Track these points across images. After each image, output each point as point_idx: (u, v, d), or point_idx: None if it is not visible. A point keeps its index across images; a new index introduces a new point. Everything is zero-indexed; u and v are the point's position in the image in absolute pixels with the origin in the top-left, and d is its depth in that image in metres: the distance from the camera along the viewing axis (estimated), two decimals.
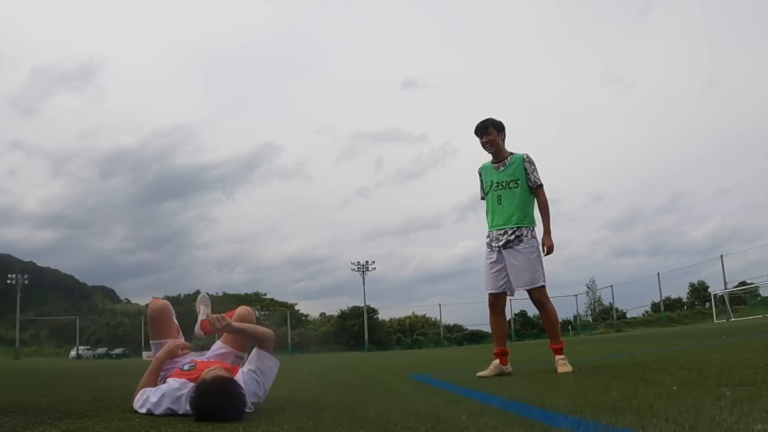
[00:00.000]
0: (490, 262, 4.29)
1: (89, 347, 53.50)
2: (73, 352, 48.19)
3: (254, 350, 2.78)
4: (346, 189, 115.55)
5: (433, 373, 5.31)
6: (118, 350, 52.00)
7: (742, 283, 35.79)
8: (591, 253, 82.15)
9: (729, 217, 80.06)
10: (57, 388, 4.99)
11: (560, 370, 3.92)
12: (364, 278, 47.03)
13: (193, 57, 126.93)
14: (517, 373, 4.34)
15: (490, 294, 4.32)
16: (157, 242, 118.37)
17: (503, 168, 4.33)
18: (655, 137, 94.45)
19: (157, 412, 2.53)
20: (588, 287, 50.63)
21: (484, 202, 4.48)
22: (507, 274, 4.24)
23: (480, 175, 4.52)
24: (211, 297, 3.31)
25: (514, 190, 4.26)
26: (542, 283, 4.18)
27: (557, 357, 4.09)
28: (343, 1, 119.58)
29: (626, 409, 1.89)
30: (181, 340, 3.03)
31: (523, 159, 4.30)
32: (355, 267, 47.46)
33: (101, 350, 52.19)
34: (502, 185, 4.30)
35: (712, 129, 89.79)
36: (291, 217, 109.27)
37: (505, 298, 4.37)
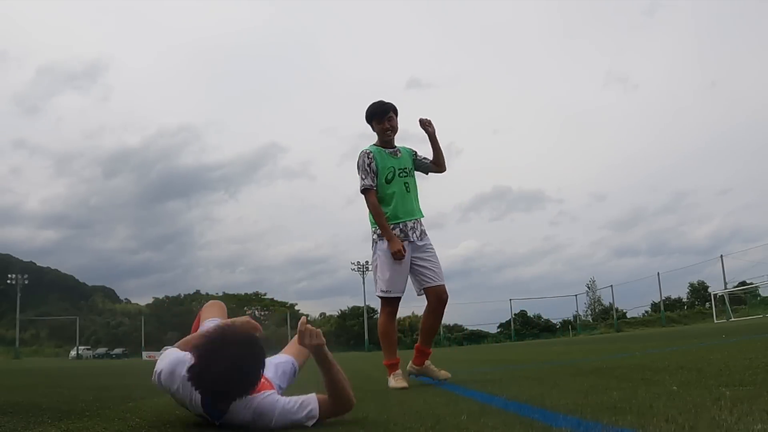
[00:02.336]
0: (399, 259, 3.76)
1: (89, 347, 53.49)
2: (73, 352, 48.18)
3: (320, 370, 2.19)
4: (349, 189, 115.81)
5: None
6: (118, 350, 51.98)
7: (742, 283, 35.78)
8: (592, 252, 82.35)
9: (730, 217, 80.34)
10: (57, 388, 4.98)
11: (440, 376, 3.85)
12: (364, 278, 47.04)
13: (199, 57, 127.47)
14: (518, 373, 4.34)
15: (395, 298, 3.85)
16: (159, 242, 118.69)
17: (399, 155, 3.98)
18: (658, 137, 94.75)
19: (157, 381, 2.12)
20: (588, 287, 50.65)
21: (371, 190, 3.86)
22: (407, 272, 3.85)
23: (372, 160, 3.89)
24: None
25: (414, 179, 4.00)
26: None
27: (427, 362, 3.89)
28: (348, 1, 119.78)
29: (626, 409, 1.89)
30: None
31: (414, 152, 4.10)
32: (355, 267, 47.48)
33: (101, 350, 52.17)
34: (406, 172, 3.95)
35: (715, 129, 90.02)
36: (294, 217, 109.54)
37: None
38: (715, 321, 30.55)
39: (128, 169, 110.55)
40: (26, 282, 49.06)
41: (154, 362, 2.28)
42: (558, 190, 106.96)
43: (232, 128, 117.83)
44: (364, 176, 3.89)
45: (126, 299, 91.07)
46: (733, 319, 28.05)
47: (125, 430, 2.17)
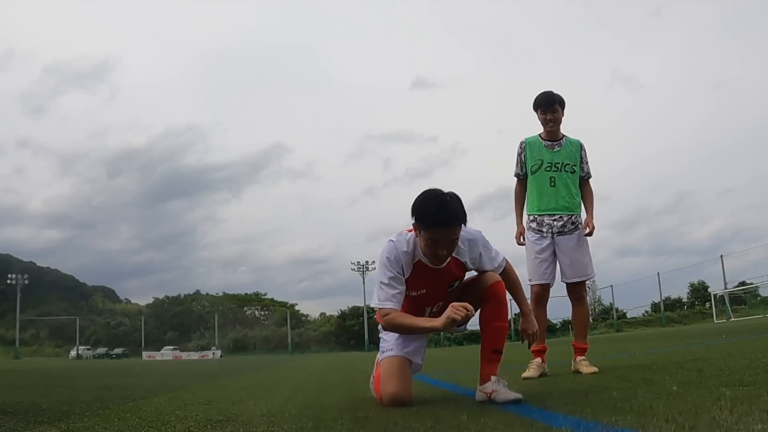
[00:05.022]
0: (539, 249, 3.88)
1: (89, 347, 53.53)
2: (73, 352, 48.22)
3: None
4: (353, 189, 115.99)
5: (433, 373, 5.31)
6: (118, 350, 52.01)
7: (742, 283, 35.78)
8: (594, 253, 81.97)
9: (732, 218, 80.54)
10: (57, 388, 4.98)
11: (586, 371, 3.67)
12: (364, 278, 47.10)
13: (206, 58, 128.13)
14: (517, 373, 4.34)
15: (536, 285, 3.88)
16: (162, 242, 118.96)
17: (558, 149, 3.93)
18: (662, 137, 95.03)
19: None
20: (588, 287, 50.60)
21: (517, 180, 4.05)
22: (552, 263, 3.89)
23: (523, 149, 4.01)
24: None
25: (570, 174, 3.92)
26: (594, 274, 3.97)
27: (580, 358, 3.81)
28: (354, 2, 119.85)
29: (626, 409, 1.89)
30: None
31: (581, 146, 4.00)
32: (355, 267, 47.49)
33: (101, 350, 52.21)
34: (557, 167, 3.90)
35: (719, 129, 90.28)
36: (298, 217, 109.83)
37: (549, 291, 3.95)
38: (715, 321, 30.54)
39: (132, 169, 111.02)
40: (26, 282, 49.12)
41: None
42: None
43: (238, 128, 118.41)
44: (516, 164, 4.04)
45: (126, 299, 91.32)
46: (733, 319, 28.05)
47: (125, 430, 2.17)
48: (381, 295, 2.47)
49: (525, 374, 3.79)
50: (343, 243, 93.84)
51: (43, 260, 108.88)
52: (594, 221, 3.97)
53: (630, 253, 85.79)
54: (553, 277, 3.94)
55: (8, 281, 48.39)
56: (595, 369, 3.68)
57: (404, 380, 2.55)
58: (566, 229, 3.90)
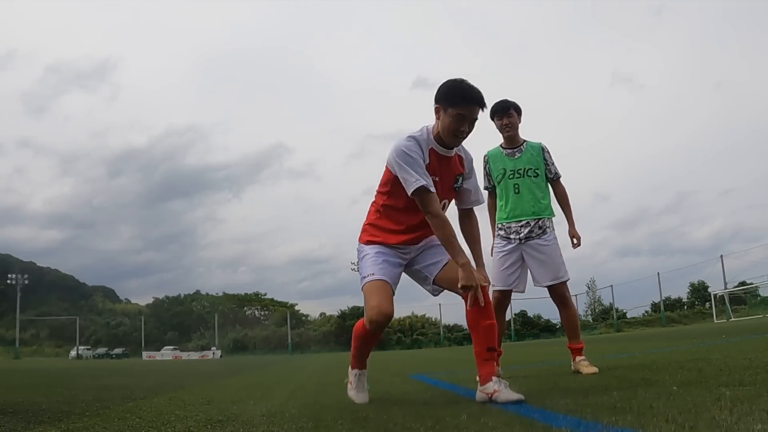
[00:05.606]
0: (503, 256, 3.94)
1: (89, 347, 53.45)
2: (73, 352, 48.16)
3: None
4: (354, 189, 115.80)
5: (433, 373, 5.31)
6: (118, 350, 51.94)
7: (742, 283, 35.79)
8: (594, 253, 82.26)
9: (732, 218, 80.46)
10: (57, 388, 4.98)
11: (586, 371, 3.67)
12: None
13: (208, 59, 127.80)
14: (517, 373, 4.34)
15: (496, 291, 3.93)
16: (163, 242, 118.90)
17: (519, 155, 4.00)
18: (663, 137, 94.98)
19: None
20: (588, 287, 50.63)
21: (487, 193, 4.10)
22: (519, 269, 3.93)
23: (487, 163, 4.11)
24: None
25: (534, 179, 3.96)
26: (569, 277, 3.95)
27: (578, 358, 3.81)
28: (355, 1, 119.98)
29: (626, 409, 1.89)
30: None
31: (542, 148, 4.03)
32: (356, 267, 47.41)
33: (101, 350, 52.14)
34: (520, 173, 3.96)
35: (720, 130, 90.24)
36: (298, 217, 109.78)
37: (511, 297, 4.07)
38: (715, 321, 30.55)
39: (133, 169, 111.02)
40: (26, 282, 49.12)
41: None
42: None
43: (239, 129, 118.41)
44: (483, 178, 4.10)
45: (126, 299, 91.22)
46: (733, 319, 28.06)
47: (125, 430, 2.18)
48: (414, 175, 2.58)
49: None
50: (344, 243, 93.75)
51: (43, 260, 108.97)
52: (576, 229, 4.01)
53: (630, 253, 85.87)
54: (520, 284, 3.96)
55: (8, 281, 48.38)
56: (595, 369, 3.68)
57: (387, 296, 2.68)
58: (533, 234, 3.92)
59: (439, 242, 2.66)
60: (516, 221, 3.95)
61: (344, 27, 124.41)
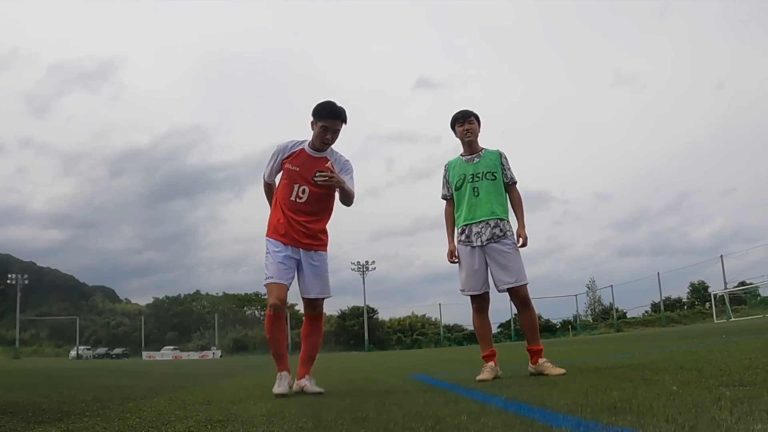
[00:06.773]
0: (469, 262, 4.01)
1: (89, 347, 53.49)
2: (73, 352, 48.20)
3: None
4: (356, 189, 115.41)
5: (433, 373, 5.31)
6: (118, 350, 51.98)
7: (742, 283, 35.83)
8: (595, 253, 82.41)
9: (733, 218, 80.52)
10: (57, 388, 4.99)
11: (553, 372, 3.75)
12: (364, 278, 47.06)
13: (210, 59, 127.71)
14: (517, 373, 4.34)
15: (474, 296, 4.05)
16: (163, 242, 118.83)
17: (477, 159, 4.13)
18: (664, 137, 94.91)
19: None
20: (588, 287, 50.65)
21: (445, 202, 4.25)
22: (486, 272, 4.00)
23: (447, 171, 4.26)
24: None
25: (492, 182, 4.06)
26: (528, 281, 4.00)
27: (541, 360, 3.89)
28: (356, 1, 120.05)
29: (626, 409, 1.89)
30: None
31: (500, 154, 4.15)
32: (355, 267, 47.48)
33: (101, 350, 52.18)
34: (479, 176, 4.07)
35: (721, 130, 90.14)
36: None
37: (489, 297, 4.11)
38: (715, 321, 30.57)
39: (134, 169, 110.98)
40: (26, 282, 49.12)
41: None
42: (563, 190, 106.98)
43: (241, 129, 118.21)
44: (442, 187, 4.30)
45: (126, 299, 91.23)
46: (733, 319, 28.07)
47: (125, 430, 2.17)
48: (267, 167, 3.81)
49: (479, 377, 3.90)
50: (344, 243, 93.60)
51: (43, 260, 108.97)
52: (525, 230, 4.05)
53: (631, 253, 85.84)
54: (488, 285, 4.05)
55: (8, 281, 48.39)
56: (562, 370, 3.75)
57: (280, 294, 3.91)
58: (494, 237, 3.99)
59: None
60: (475, 223, 4.04)
61: (346, 27, 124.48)
